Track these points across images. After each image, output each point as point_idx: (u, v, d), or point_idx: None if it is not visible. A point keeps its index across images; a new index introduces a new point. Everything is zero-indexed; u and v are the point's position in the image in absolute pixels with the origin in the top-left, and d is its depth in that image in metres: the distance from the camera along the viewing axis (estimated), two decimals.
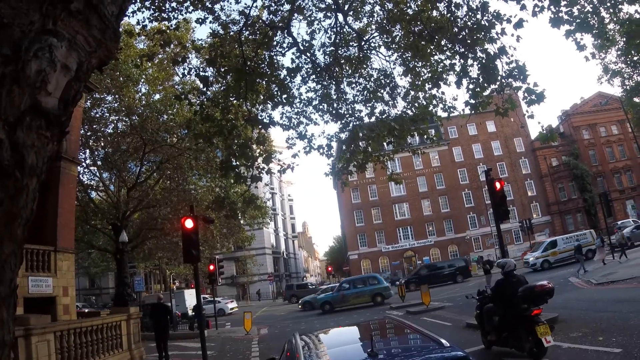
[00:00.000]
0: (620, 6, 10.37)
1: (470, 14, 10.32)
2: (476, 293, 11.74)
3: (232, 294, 63.54)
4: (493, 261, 32.54)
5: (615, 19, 12.80)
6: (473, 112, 11.68)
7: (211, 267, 26.60)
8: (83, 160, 25.96)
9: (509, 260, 10.40)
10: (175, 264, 41.48)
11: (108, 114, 26.38)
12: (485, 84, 10.81)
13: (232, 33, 11.18)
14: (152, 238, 29.71)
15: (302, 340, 5.36)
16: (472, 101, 11.29)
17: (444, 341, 4.29)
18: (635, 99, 33.94)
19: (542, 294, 9.03)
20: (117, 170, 26.85)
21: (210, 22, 10.97)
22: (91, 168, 28.75)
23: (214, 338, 22.57)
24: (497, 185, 15.31)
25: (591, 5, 9.71)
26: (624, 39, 23.49)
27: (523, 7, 9.25)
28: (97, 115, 25.99)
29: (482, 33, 10.01)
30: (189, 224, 12.69)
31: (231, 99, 11.58)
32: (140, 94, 25.92)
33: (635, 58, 30.72)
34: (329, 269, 78.23)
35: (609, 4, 9.97)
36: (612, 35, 18.73)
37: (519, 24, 9.31)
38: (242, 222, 30.61)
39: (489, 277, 26.65)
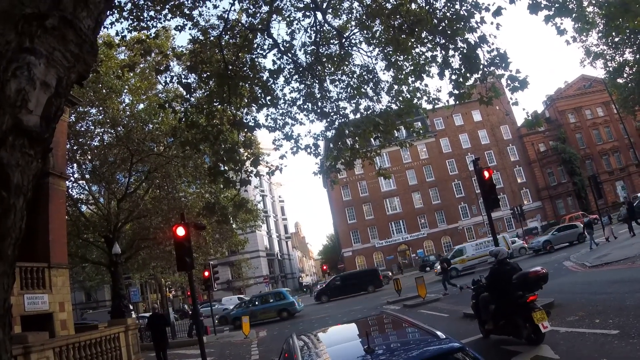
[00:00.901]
0: None
1: (448, 4, 10.40)
2: (471, 283, 11.80)
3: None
4: (450, 259, 32.24)
5: (594, 1, 12.86)
6: (457, 102, 11.78)
7: (206, 274, 26.52)
8: (71, 174, 25.75)
9: (502, 248, 10.49)
10: (170, 272, 41.25)
11: (93, 127, 26.22)
12: (468, 74, 10.89)
13: (212, 38, 11.16)
14: (145, 248, 29.55)
15: (300, 340, 5.37)
16: (456, 91, 11.38)
17: (439, 333, 4.32)
18: (619, 80, 34.22)
19: (537, 280, 9.09)
20: (106, 182, 26.68)
21: (189, 28, 10.95)
22: (80, 182, 28.54)
23: (212, 344, 22.51)
24: (486, 174, 15.37)
25: None
26: (604, 21, 23.65)
27: None
28: (82, 129, 25.80)
29: (462, 23, 10.08)
30: (180, 231, 12.64)
31: (215, 104, 11.56)
32: (124, 105, 25.81)
33: (616, 39, 30.98)
34: (324, 267, 78.30)
35: None
36: (591, 18, 18.85)
37: (497, 12, 9.39)
38: (234, 226, 30.54)
39: (445, 275, 26.48)
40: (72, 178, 26.26)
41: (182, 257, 12.55)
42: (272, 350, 15.88)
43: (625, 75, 33.44)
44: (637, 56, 30.86)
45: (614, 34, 29.11)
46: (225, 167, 11.92)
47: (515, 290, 9.05)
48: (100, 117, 25.44)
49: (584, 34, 29.53)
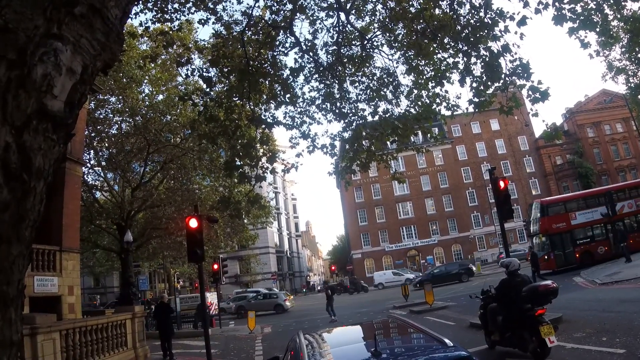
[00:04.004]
0: (623, 3, 10.34)
1: (473, 11, 10.32)
2: (480, 292, 11.73)
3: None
4: (336, 285, 31.37)
5: (619, 16, 12.73)
6: (477, 110, 11.68)
7: (215, 266, 26.65)
8: (87, 161, 26.06)
9: (513, 259, 10.38)
10: (179, 263, 41.52)
11: (112, 115, 26.49)
12: (489, 82, 10.80)
13: (234, 33, 11.21)
14: (157, 237, 29.79)
15: (305, 340, 5.37)
16: (476, 99, 11.28)
17: (447, 341, 4.29)
18: None
19: (546, 293, 9.01)
20: (121, 170, 26.94)
21: (212, 22, 11.00)
22: (96, 168, 28.84)
23: (217, 337, 22.63)
24: (501, 184, 15.26)
25: (594, 2, 9.68)
26: (628, 36, 23.37)
27: (526, 5, 9.23)
28: (101, 117, 26.09)
29: (485, 31, 10.00)
30: (193, 223, 12.73)
31: (234, 99, 11.62)
32: (143, 95, 26.04)
33: (639, 55, 30.55)
34: (333, 268, 78.30)
35: (612, 1, 9.93)
36: (615, 32, 18.61)
37: (522, 22, 9.30)
38: (245, 221, 30.67)
39: (329, 302, 24.99)
40: (88, 164, 26.57)
41: (193, 248, 12.64)
42: (276, 347, 15.91)
43: None
44: None
45: (637, 49, 28.75)
46: (241, 162, 11.98)
47: (524, 302, 8.98)
48: (119, 105, 25.71)
49: (608, 48, 29.20)
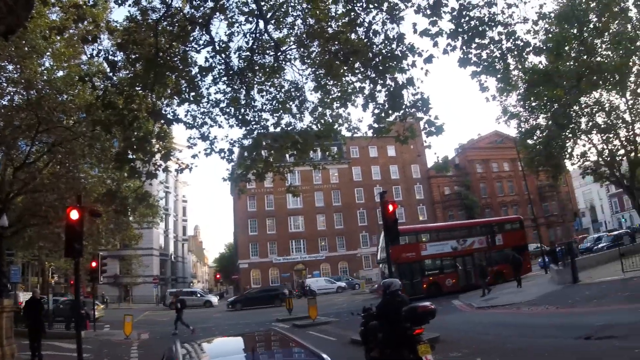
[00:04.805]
0: (526, 55, 11.23)
1: (386, 42, 10.77)
2: (361, 310, 12.07)
3: (114, 295, 60.43)
4: (184, 299, 30.90)
5: (520, 66, 13.81)
6: (375, 135, 12.14)
7: (93, 264, 25.16)
8: None
9: (395, 280, 10.78)
10: (56, 256, 38.54)
11: (6, 84, 24.19)
12: (390, 111, 11.28)
13: (149, 21, 10.77)
14: (35, 225, 27.44)
15: (183, 349, 5.20)
16: (376, 125, 11.72)
17: (325, 356, 4.34)
18: (529, 141, 36.45)
19: (425, 314, 9.44)
20: (6, 146, 24.60)
21: (129, 5, 10.52)
22: None
23: (91, 340, 21.28)
24: (390, 207, 15.90)
25: (499, 51, 10.51)
26: (525, 86, 25.42)
27: (435, 44, 9.82)
28: None
29: (394, 62, 10.48)
30: (74, 215, 11.91)
31: (137, 88, 11.08)
32: (42, 68, 24.06)
33: (533, 104, 33.32)
34: (218, 276, 76.77)
35: (516, 52, 10.80)
36: (515, 81, 20.23)
37: (429, 59, 9.86)
38: (131, 219, 29.27)
39: (179, 315, 24.72)
40: None
41: (71, 242, 11.80)
42: (152, 355, 15.27)
43: (535, 137, 35.58)
44: (549, 122, 32.98)
45: (532, 98, 31.47)
46: (134, 156, 11.44)
47: (404, 322, 9.36)
48: (15, 75, 23.55)
49: (505, 94, 31.75)
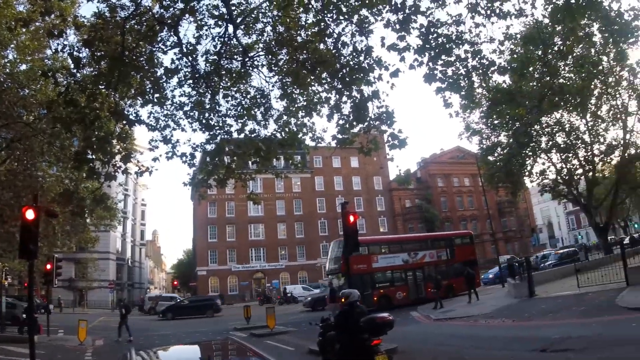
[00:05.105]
0: (490, 74, 11.49)
1: (354, 54, 10.92)
2: (320, 320, 12.05)
3: (69, 299, 58.54)
4: (129, 305, 30.73)
5: (484, 84, 14.09)
6: (339, 146, 12.22)
7: (48, 267, 24.35)
8: None
9: (354, 291, 10.80)
10: (10, 257, 37.02)
11: None
12: (355, 122, 11.42)
13: (118, 18, 10.55)
14: None
15: (138, 356, 5.09)
16: (340, 136, 11.82)
17: None
18: (490, 157, 37.29)
19: (383, 325, 9.47)
20: None
21: (98, 1, 10.32)
22: None
23: (44, 345, 20.42)
24: (351, 218, 15.90)
25: (465, 69, 10.75)
26: (488, 104, 25.98)
27: (402, 59, 9.98)
28: None
29: (361, 74, 10.62)
30: (30, 214, 11.44)
31: (100, 87, 10.83)
32: (6, 60, 23.24)
33: (495, 122, 34.28)
34: (175, 282, 75.39)
35: (481, 71, 11.06)
36: (478, 98, 20.65)
37: (395, 73, 10.01)
38: (88, 221, 28.48)
39: (122, 321, 23.87)
40: None
41: (26, 242, 11.31)
42: None
43: (496, 154, 36.47)
44: (510, 140, 33.84)
45: (495, 116, 32.28)
46: (94, 156, 11.16)
47: (362, 332, 9.37)
48: None
49: (468, 111, 32.48)
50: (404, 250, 32.98)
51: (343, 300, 9.87)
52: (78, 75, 11.02)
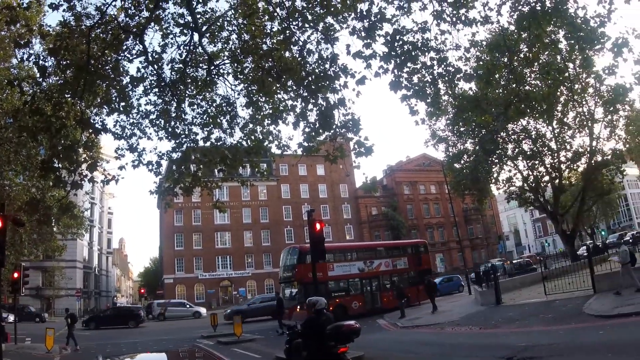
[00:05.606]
0: (457, 81, 11.64)
1: (319, 62, 10.98)
2: (287, 328, 12.02)
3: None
4: (74, 313, 30.20)
5: (450, 92, 14.21)
6: (305, 154, 12.25)
7: (15, 275, 23.73)
8: None
9: (321, 299, 10.82)
10: None
11: None
12: (321, 130, 11.46)
13: (83, 27, 10.42)
14: None
15: None
16: (306, 144, 11.84)
17: None
18: (456, 165, 37.49)
19: (349, 333, 9.50)
20: None
21: (64, 10, 10.14)
22: None
23: (11, 353, 19.90)
24: (318, 226, 15.99)
25: (431, 77, 10.91)
26: (454, 111, 26.21)
27: (368, 66, 10.09)
28: None
29: (327, 82, 10.68)
30: None
31: (66, 95, 10.68)
32: None
33: (461, 129, 34.52)
34: (142, 290, 73.97)
35: (447, 78, 11.22)
36: (444, 106, 20.86)
37: (361, 81, 10.11)
38: (55, 229, 27.93)
39: (70, 330, 23.92)
40: None
41: None
42: None
43: (462, 162, 36.68)
44: (477, 147, 34.24)
45: (461, 123, 32.58)
46: (60, 165, 10.99)
47: (328, 340, 9.38)
48: None
49: (434, 118, 32.63)
50: (359, 259, 32.36)
51: (309, 308, 9.89)
52: (44, 84, 10.92)
